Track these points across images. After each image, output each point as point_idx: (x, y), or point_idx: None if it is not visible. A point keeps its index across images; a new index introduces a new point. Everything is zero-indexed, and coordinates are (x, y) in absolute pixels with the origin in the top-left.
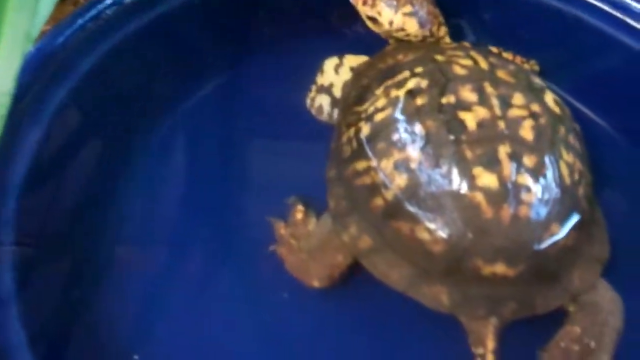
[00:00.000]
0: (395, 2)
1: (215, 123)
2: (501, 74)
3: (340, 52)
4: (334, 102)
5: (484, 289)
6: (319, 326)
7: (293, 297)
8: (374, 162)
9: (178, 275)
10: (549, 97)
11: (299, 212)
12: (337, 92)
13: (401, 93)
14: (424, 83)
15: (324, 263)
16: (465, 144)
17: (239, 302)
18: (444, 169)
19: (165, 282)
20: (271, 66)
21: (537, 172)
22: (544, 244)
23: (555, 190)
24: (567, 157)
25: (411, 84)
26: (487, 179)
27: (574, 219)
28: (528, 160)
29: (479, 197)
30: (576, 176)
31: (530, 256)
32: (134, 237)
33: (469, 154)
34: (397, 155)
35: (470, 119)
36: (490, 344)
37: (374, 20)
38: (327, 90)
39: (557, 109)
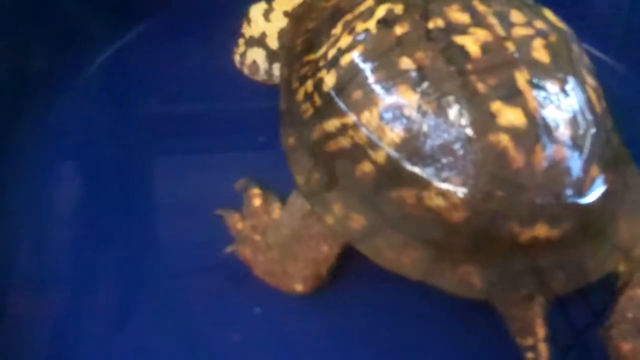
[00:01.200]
0: None
1: (118, 101)
2: None
3: None
4: (272, 56)
5: (524, 261)
6: (303, 343)
7: (268, 311)
8: (350, 118)
9: (87, 315)
10: (548, 13)
11: (255, 197)
12: (273, 42)
13: (371, 25)
14: (398, 8)
15: (306, 258)
16: (473, 74)
17: (192, 329)
18: (452, 109)
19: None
20: (183, 20)
21: (567, 100)
22: (588, 192)
23: (589, 121)
24: (590, 79)
25: (381, 11)
26: (511, 115)
27: (610, 156)
28: (552, 87)
29: (505, 140)
30: (603, 102)
31: (574, 209)
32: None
33: (480, 86)
34: (383, 102)
35: (470, 44)
36: (541, 330)
37: None
38: (258, 42)
39: (561, 25)
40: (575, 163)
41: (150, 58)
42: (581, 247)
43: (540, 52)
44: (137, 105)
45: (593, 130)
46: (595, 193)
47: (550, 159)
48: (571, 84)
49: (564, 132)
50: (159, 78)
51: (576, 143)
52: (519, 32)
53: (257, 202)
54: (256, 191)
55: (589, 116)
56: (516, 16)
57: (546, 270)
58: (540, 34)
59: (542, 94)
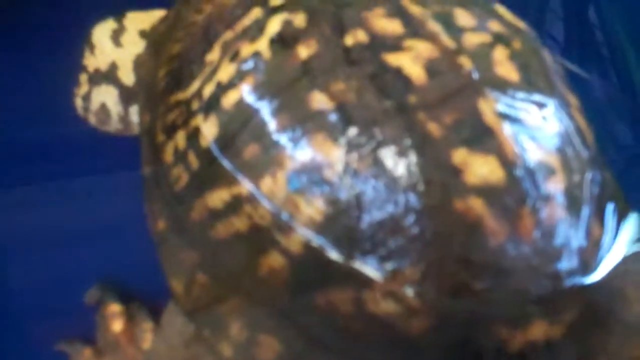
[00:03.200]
0: None
1: None
2: None
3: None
4: (127, 95)
5: None
6: None
7: None
8: (244, 186)
9: None
10: (500, 8)
11: (115, 319)
12: (127, 76)
13: (262, 45)
14: (298, 19)
15: None
16: (420, 109)
17: None
18: (395, 165)
19: None
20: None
21: (551, 134)
22: (593, 264)
23: (584, 160)
24: (571, 97)
25: (275, 25)
26: (483, 168)
27: (607, 202)
28: (530, 117)
29: (477, 205)
30: (590, 127)
31: (579, 292)
32: None
33: (433, 127)
34: (291, 162)
35: (410, 64)
36: None
37: None
38: (107, 76)
39: (521, 24)
40: (575, 225)
41: None
42: (588, 341)
43: (505, 67)
44: None
45: (589, 172)
46: (601, 263)
47: (543, 225)
48: (553, 109)
49: (556, 182)
50: None
51: (573, 195)
52: (472, 39)
53: (117, 325)
54: (116, 308)
55: (583, 152)
56: (464, 17)
57: None
58: (501, 40)
59: (519, 129)
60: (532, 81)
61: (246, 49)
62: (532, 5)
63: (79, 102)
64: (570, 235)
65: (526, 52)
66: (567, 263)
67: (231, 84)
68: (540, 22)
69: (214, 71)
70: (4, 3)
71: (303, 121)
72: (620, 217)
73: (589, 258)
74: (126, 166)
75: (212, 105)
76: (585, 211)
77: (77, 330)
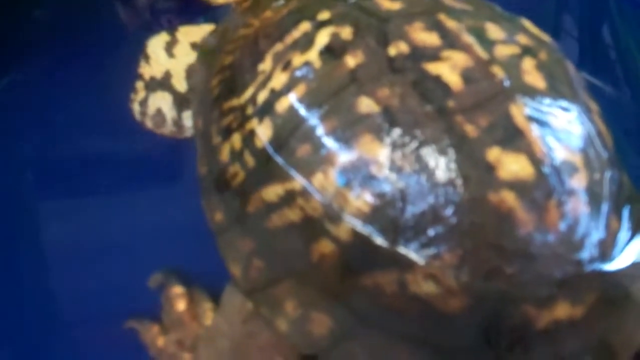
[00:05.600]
0: None
1: None
2: (447, 0)
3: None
4: (180, 101)
5: (545, 351)
6: None
7: None
8: (297, 182)
9: None
10: (527, 23)
11: (179, 299)
12: (180, 83)
13: (312, 56)
14: (345, 32)
15: None
16: (458, 112)
17: None
18: (436, 162)
19: None
20: (63, 69)
21: (575, 136)
22: (612, 253)
23: (604, 160)
24: (592, 104)
25: (323, 37)
26: (514, 165)
27: (625, 200)
28: (556, 120)
29: (509, 198)
30: (609, 129)
31: (598, 277)
32: None
33: (469, 128)
34: (340, 160)
35: (448, 73)
36: None
37: None
38: (162, 84)
39: (545, 37)
40: (595, 218)
41: (29, 105)
42: (606, 321)
43: (533, 76)
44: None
45: (609, 172)
46: (619, 252)
47: (567, 217)
48: (576, 114)
49: (579, 179)
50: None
51: (594, 191)
52: (503, 51)
53: (181, 305)
54: (178, 290)
55: (603, 153)
56: (494, 31)
57: (571, 358)
58: (528, 52)
59: (547, 131)
60: (557, 88)
61: (297, 59)
62: (546, 25)
63: (136, 107)
64: (591, 226)
65: (551, 62)
66: (588, 251)
67: (284, 91)
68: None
69: (267, 79)
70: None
71: (352, 123)
72: (636, 216)
73: (607, 248)
74: (165, 177)
75: (266, 110)
76: (605, 206)
77: (124, 337)
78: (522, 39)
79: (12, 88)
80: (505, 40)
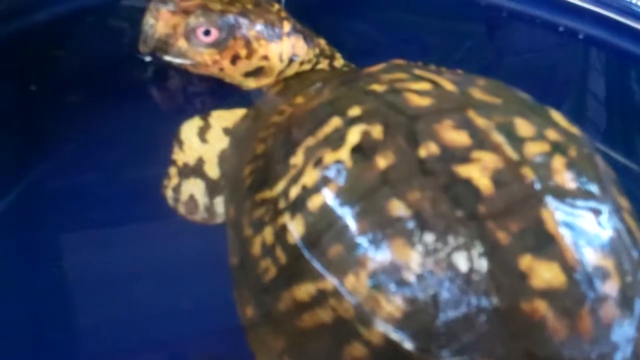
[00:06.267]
0: (273, 29)
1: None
2: (477, 93)
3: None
4: (212, 187)
5: None
6: None
7: None
8: (329, 282)
9: None
10: (555, 114)
11: None
12: (213, 170)
13: (344, 155)
14: (376, 131)
15: None
16: (489, 218)
17: None
18: (468, 269)
19: None
20: (95, 151)
21: (607, 239)
22: None
23: (635, 261)
24: (623, 200)
25: (355, 135)
26: (547, 273)
27: None
28: (587, 223)
29: (542, 307)
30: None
31: None
32: None
33: (501, 235)
34: (372, 263)
35: (479, 176)
36: None
37: (257, 72)
38: (195, 170)
39: (574, 129)
40: (629, 321)
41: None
42: None
43: (563, 176)
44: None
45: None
46: None
47: (600, 323)
48: (607, 215)
49: (611, 284)
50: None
51: (626, 295)
52: (533, 149)
53: None
54: None
55: (634, 253)
56: (524, 127)
57: None
58: (558, 149)
59: (578, 235)
60: (588, 188)
61: (329, 157)
62: (571, 88)
63: (169, 194)
64: (624, 330)
65: (581, 159)
66: (621, 354)
67: (316, 189)
68: (581, 107)
69: (299, 175)
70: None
71: (383, 226)
72: None
73: (638, 349)
74: None
75: (298, 206)
76: (638, 307)
77: None
78: (552, 134)
79: (47, 172)
80: (535, 136)
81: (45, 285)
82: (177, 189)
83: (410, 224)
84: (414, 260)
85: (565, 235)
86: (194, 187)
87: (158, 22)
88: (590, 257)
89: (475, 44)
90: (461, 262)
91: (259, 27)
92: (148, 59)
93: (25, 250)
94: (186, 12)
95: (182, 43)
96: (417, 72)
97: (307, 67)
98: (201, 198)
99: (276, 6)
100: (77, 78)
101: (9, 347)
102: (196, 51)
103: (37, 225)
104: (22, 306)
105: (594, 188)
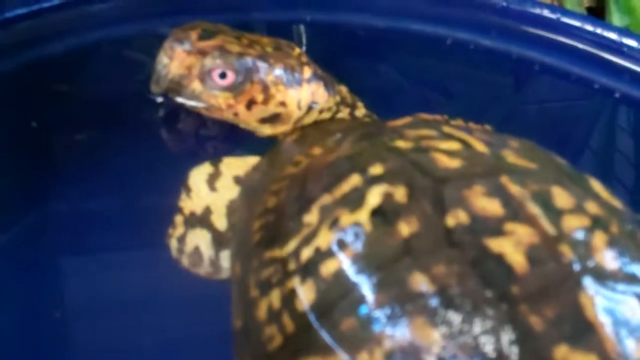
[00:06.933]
0: (293, 74)
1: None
2: (511, 156)
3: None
4: (219, 240)
5: None
6: None
7: None
8: (340, 357)
9: None
10: (595, 184)
11: None
12: (220, 221)
13: (363, 217)
14: (399, 193)
15: None
16: (522, 301)
17: None
18: (495, 357)
19: None
20: (100, 194)
21: None
22: None
23: None
24: None
25: (375, 197)
26: None
27: None
28: (627, 309)
29: None
30: None
31: None
32: None
33: (535, 320)
34: (389, 341)
35: (512, 251)
36: None
37: (273, 118)
38: (201, 220)
39: (615, 202)
40: None
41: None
42: None
43: (604, 255)
44: None
45: None
46: None
47: None
48: None
49: None
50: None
51: None
52: (572, 223)
53: None
54: None
55: None
56: (562, 198)
57: None
58: (599, 224)
59: (620, 324)
60: (630, 270)
61: (346, 218)
62: (596, 145)
63: (173, 244)
64: None
65: (623, 236)
66: None
67: (330, 252)
68: (607, 165)
69: (313, 235)
70: None
71: (403, 301)
72: None
73: None
74: None
75: (309, 270)
76: None
77: None
78: (592, 207)
79: (50, 213)
80: (574, 209)
81: (49, 308)
82: (182, 239)
83: (434, 301)
84: (435, 342)
85: (606, 324)
86: (200, 239)
87: (172, 62)
88: (633, 349)
89: (500, 93)
90: (488, 348)
91: (277, 71)
92: (160, 99)
93: (27, 291)
94: (202, 53)
95: (196, 85)
96: (446, 129)
97: (326, 115)
98: (206, 250)
99: (297, 50)
100: (86, 114)
101: None
102: (210, 94)
103: (39, 254)
104: (20, 330)
105: (637, 270)
